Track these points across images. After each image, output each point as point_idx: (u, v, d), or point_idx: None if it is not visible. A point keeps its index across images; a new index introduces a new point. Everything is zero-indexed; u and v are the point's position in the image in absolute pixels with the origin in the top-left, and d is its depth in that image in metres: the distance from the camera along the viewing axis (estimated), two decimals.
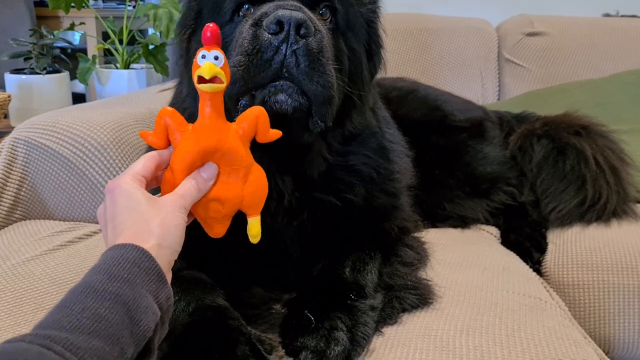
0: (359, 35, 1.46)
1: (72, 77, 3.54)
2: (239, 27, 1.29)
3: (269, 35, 1.16)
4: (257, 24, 1.19)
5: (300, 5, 1.23)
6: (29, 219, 2.10)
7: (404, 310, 1.47)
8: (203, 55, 1.01)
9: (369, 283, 1.46)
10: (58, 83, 3.13)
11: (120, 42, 3.38)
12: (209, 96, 1.03)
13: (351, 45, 1.42)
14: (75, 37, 4.86)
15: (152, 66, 3.25)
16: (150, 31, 3.48)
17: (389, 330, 1.40)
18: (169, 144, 1.08)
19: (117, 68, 3.38)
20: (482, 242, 2.11)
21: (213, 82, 1.01)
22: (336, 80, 1.27)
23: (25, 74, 3.26)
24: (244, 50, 1.18)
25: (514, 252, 2.04)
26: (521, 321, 1.43)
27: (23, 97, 3.23)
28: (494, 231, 2.24)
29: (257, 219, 1.12)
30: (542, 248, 2.06)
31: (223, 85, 1.04)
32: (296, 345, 1.27)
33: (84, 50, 3.95)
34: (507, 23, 3.40)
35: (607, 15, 3.80)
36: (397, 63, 3.03)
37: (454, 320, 1.43)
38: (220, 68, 1.01)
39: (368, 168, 1.56)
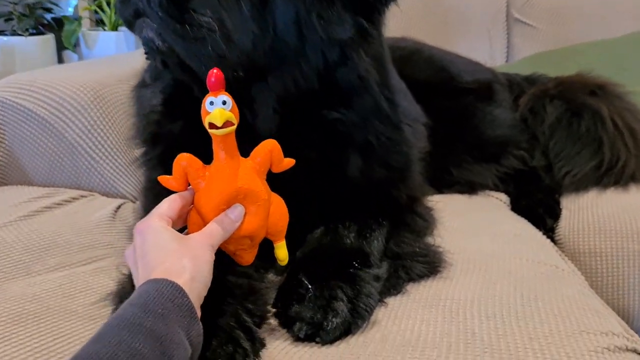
0: None
1: (61, 47, 3.37)
2: None
3: None
4: None
5: None
6: (6, 185, 1.96)
7: (411, 280, 1.35)
8: (211, 101, 1.01)
9: (374, 251, 1.33)
10: (42, 46, 2.96)
11: (108, 3, 3.20)
12: (222, 139, 1.03)
13: None
14: (70, 9, 4.66)
15: None
16: None
17: (393, 301, 1.27)
18: (188, 185, 1.09)
19: (105, 30, 3.21)
20: (492, 209, 1.98)
21: (224, 127, 1.01)
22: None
23: (6, 35, 3.08)
24: None
25: (526, 218, 1.90)
26: (537, 290, 1.30)
27: (6, 61, 3.06)
28: (504, 198, 2.10)
29: (283, 244, 1.15)
30: (556, 214, 1.92)
31: (234, 127, 1.03)
32: (290, 315, 1.14)
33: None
34: None
35: None
36: (400, 23, 2.84)
37: (464, 289, 1.30)
38: (230, 111, 1.01)
39: (363, 135, 1.35)
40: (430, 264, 1.37)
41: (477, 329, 1.13)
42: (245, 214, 1.07)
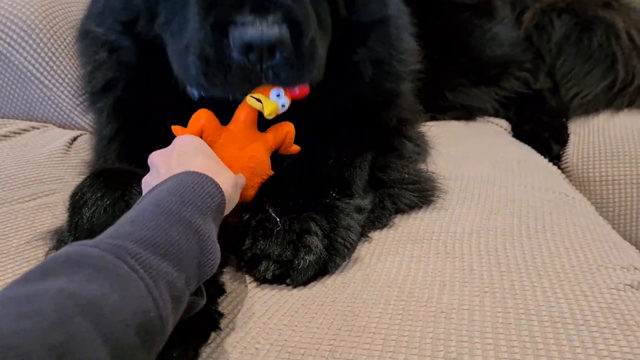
0: None
1: None
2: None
3: (240, 56, 0.96)
4: (218, 29, 0.96)
5: (284, 4, 0.96)
6: None
7: (399, 211, 1.17)
8: (277, 94, 1.05)
9: (356, 179, 1.14)
10: None
11: None
12: (251, 110, 1.05)
13: None
14: None
15: None
16: None
17: (378, 235, 1.10)
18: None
19: None
20: (491, 135, 1.79)
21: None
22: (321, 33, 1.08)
23: None
24: (205, 59, 0.98)
25: (530, 145, 1.72)
26: (546, 220, 1.13)
27: None
28: (504, 124, 1.92)
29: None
30: (563, 139, 1.73)
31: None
32: (255, 252, 0.97)
33: None
34: None
35: None
36: None
37: (460, 220, 1.13)
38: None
39: (380, 53, 1.30)
40: (421, 192, 1.19)
41: (476, 266, 0.96)
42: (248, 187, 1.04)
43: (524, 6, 2.23)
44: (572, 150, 1.69)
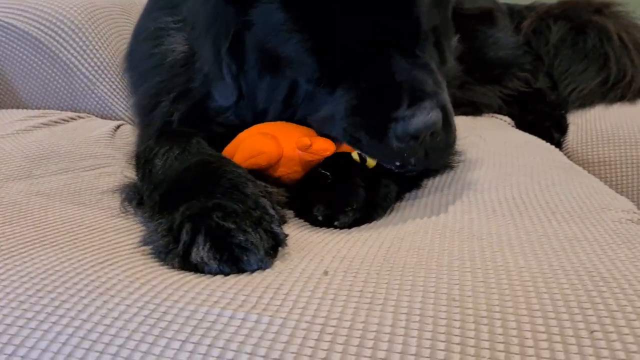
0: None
1: None
2: (334, 94, 1.11)
3: (398, 143, 1.05)
4: (381, 123, 1.05)
5: (420, 88, 1.06)
6: None
7: (425, 176, 1.31)
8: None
9: None
10: None
11: None
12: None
13: (443, 30, 1.23)
14: None
15: None
16: None
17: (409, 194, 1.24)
18: None
19: None
20: (498, 126, 1.96)
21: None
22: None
23: None
24: (362, 138, 1.09)
25: (533, 134, 1.87)
26: (555, 179, 1.28)
27: None
28: (508, 120, 2.08)
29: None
30: (563, 128, 1.90)
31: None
32: (309, 198, 1.11)
33: None
34: None
35: None
36: None
37: (480, 180, 1.28)
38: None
39: None
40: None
41: (497, 208, 1.11)
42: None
43: (521, 16, 2.42)
44: (572, 137, 1.86)
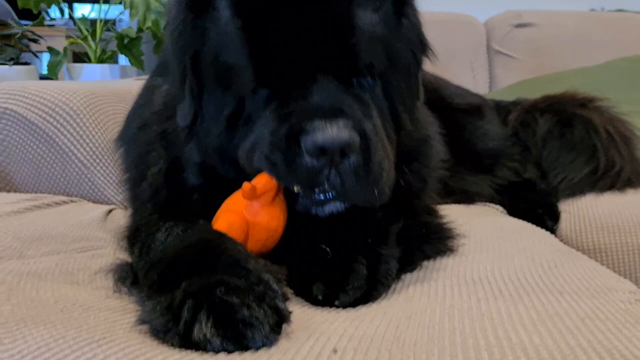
0: (405, 69, 1.28)
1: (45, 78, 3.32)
2: (263, 116, 1.12)
3: (310, 159, 1.03)
4: (290, 138, 1.04)
5: (339, 107, 1.06)
6: None
7: (426, 258, 1.30)
8: None
9: (391, 233, 1.28)
10: (26, 76, 2.93)
11: (93, 36, 3.20)
12: None
13: (399, 89, 1.25)
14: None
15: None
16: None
17: (409, 276, 1.22)
18: None
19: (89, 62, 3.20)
20: (492, 214, 1.96)
21: None
22: (388, 144, 1.16)
23: None
24: (277, 161, 1.06)
25: (526, 221, 1.88)
26: (556, 261, 1.27)
27: None
28: (501, 208, 2.09)
29: None
30: (556, 215, 1.91)
31: None
32: (308, 275, 1.08)
33: None
34: (494, 18, 3.34)
35: (593, 10, 3.78)
36: None
37: (481, 262, 1.26)
38: None
39: (419, 168, 1.42)
40: (443, 240, 1.33)
41: (503, 288, 1.09)
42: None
43: (507, 111, 2.51)
44: (565, 225, 1.86)
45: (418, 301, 1.04)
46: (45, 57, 3.31)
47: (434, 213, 1.55)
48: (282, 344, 0.85)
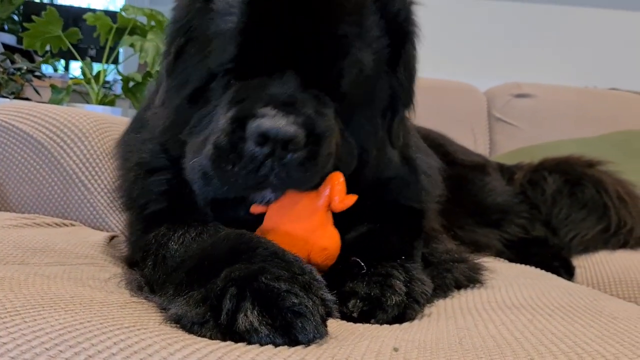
0: (381, 110, 1.27)
1: None
2: (218, 106, 1.10)
3: (253, 147, 1.00)
4: (238, 121, 1.02)
5: (292, 102, 1.04)
6: None
7: (457, 284, 1.24)
8: None
9: (417, 252, 1.23)
10: None
11: (97, 80, 3.19)
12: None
13: (363, 110, 1.22)
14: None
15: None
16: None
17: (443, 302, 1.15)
18: None
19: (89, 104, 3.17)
20: (505, 266, 1.90)
21: None
22: (345, 157, 1.14)
23: None
24: (219, 147, 1.02)
25: None
26: (595, 296, 1.22)
27: None
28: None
29: None
30: (571, 269, 1.87)
31: None
32: (344, 290, 1.01)
33: None
34: (495, 88, 3.42)
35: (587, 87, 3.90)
36: None
37: (519, 292, 1.20)
38: None
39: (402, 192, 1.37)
40: (472, 269, 1.29)
41: (552, 313, 1.02)
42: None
43: (510, 172, 2.51)
44: (581, 279, 1.82)
45: (463, 319, 0.97)
46: (45, 93, 3.27)
47: (447, 241, 1.51)
48: (331, 342, 0.77)
